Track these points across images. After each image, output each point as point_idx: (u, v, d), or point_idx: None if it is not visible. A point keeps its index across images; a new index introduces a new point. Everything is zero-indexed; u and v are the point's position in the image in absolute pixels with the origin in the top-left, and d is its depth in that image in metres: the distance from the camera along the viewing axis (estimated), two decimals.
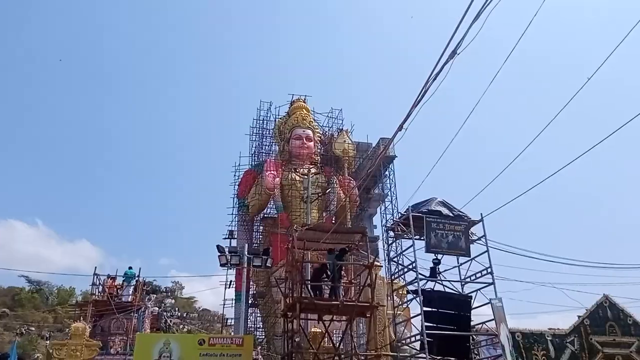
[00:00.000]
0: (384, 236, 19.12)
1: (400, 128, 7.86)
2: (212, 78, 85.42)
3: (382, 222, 26.97)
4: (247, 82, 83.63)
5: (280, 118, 26.41)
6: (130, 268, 19.85)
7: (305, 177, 20.52)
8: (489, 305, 13.78)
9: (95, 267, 19.98)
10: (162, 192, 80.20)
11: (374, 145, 29.34)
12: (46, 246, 64.01)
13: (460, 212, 15.86)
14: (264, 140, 26.27)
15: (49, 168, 78.00)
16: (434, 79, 6.59)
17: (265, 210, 24.49)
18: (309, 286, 13.25)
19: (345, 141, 25.13)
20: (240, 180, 24.61)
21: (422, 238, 15.49)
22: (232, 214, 23.89)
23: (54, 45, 79.44)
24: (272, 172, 23.29)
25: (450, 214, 15.64)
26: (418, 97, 6.93)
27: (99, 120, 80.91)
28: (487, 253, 15.24)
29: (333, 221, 23.49)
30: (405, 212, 16.14)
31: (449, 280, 15.41)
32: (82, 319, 18.01)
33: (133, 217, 74.64)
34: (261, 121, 26.48)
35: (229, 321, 23.31)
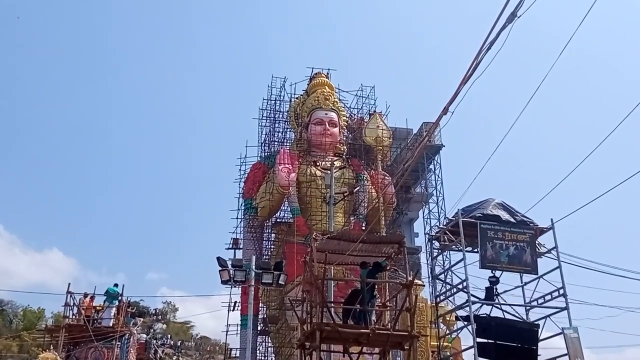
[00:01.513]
0: (427, 247, 19.11)
1: (445, 111, 7.86)
2: (211, 47, 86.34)
3: (424, 229, 27.05)
4: (256, 53, 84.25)
5: (296, 98, 26.63)
6: (115, 285, 20.03)
7: (328, 172, 20.55)
8: (562, 335, 13.66)
9: (69, 284, 20.26)
10: (150, 192, 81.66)
11: (414, 131, 29.37)
12: (8, 255, 65.56)
13: (525, 217, 15.75)
14: (276, 125, 26.54)
15: (13, 165, 79.87)
16: (488, 48, 6.55)
17: (278, 213, 24.71)
18: (336, 310, 13.34)
19: (378, 126, 25.20)
20: (247, 176, 24.89)
21: (476, 250, 15.44)
22: (237, 218, 24.21)
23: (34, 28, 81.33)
24: (287, 165, 23.47)
25: (512, 220, 15.56)
26: (468, 71, 6.89)
27: (72, 113, 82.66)
28: (559, 269, 15.10)
29: (363, 228, 23.54)
30: (454, 216, 16.11)
31: (509, 304, 15.31)
32: (52, 347, 18.38)
33: (115, 222, 76.02)
34: (273, 102, 26.75)
35: (233, 352, 23.61)
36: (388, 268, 15.49)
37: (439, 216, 25.50)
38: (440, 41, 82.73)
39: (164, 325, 47.79)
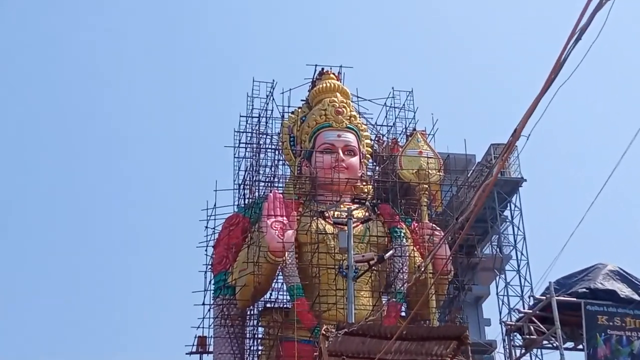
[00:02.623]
0: (505, 343, 18.82)
1: (517, 135, 7.94)
2: (165, 40, 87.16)
3: (500, 314, 26.71)
4: (229, 43, 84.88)
5: (292, 112, 26.77)
6: None
7: (345, 227, 20.49)
8: None
9: None
10: (72, 266, 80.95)
11: (479, 158, 29.32)
12: None
13: None
14: (262, 156, 26.57)
15: None
16: (578, 37, 6.66)
17: (268, 294, 24.53)
18: None
19: (421, 152, 25.19)
20: (217, 237, 24.80)
21: (581, 346, 15.26)
22: (204, 304, 24.05)
23: None
24: (280, 218, 23.42)
25: (637, 297, 15.46)
26: (551, 74, 6.93)
27: None
28: None
29: (402, 314, 23.30)
30: (544, 294, 15.99)
31: None
32: None
33: (17, 308, 75.63)
34: (256, 119, 26.87)
35: None
36: None
37: (522, 293, 25.31)
38: (510, 20, 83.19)
39: None
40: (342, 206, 23.71)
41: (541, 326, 15.67)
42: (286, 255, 22.97)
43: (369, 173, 26.45)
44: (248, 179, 26.23)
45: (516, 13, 78.72)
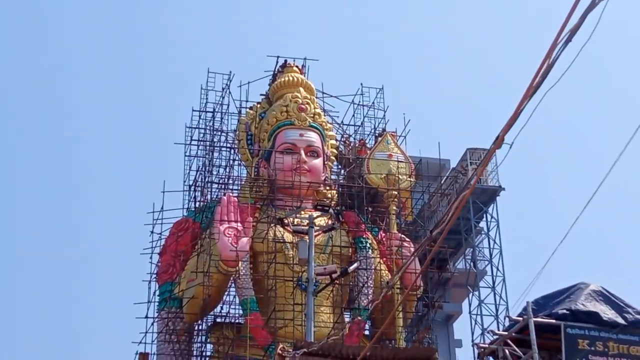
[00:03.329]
0: None
1: (499, 143, 8.05)
2: (102, 15, 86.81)
3: (472, 335, 26.77)
4: (179, 28, 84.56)
5: (250, 107, 26.79)
6: None
7: (305, 236, 20.56)
8: None
9: None
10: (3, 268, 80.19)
11: (453, 164, 29.47)
12: None
13: None
14: (215, 155, 26.52)
15: None
16: (566, 41, 6.82)
17: (218, 308, 24.51)
18: None
19: (391, 156, 25.30)
20: (164, 243, 24.74)
21: None
22: (147, 317, 23.89)
23: None
24: (235, 224, 23.40)
25: (620, 320, 15.61)
26: (535, 78, 7.07)
27: None
28: None
29: (366, 333, 23.37)
30: (520, 315, 16.08)
31: None
32: None
33: None
34: (210, 114, 26.90)
35: None
36: None
37: (497, 312, 25.47)
38: (497, 15, 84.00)
39: None
40: (303, 213, 23.72)
41: (517, 350, 15.71)
42: (240, 265, 22.93)
43: (333, 177, 26.56)
44: (200, 179, 26.21)
45: (494, 12, 79.35)
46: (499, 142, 7.91)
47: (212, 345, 24.46)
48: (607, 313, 15.69)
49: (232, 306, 24.30)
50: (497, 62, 76.30)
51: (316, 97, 26.60)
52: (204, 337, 24.65)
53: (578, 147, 70.88)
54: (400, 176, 24.91)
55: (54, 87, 79.18)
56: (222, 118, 26.84)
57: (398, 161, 25.13)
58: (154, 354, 23.54)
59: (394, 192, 24.68)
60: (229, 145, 26.82)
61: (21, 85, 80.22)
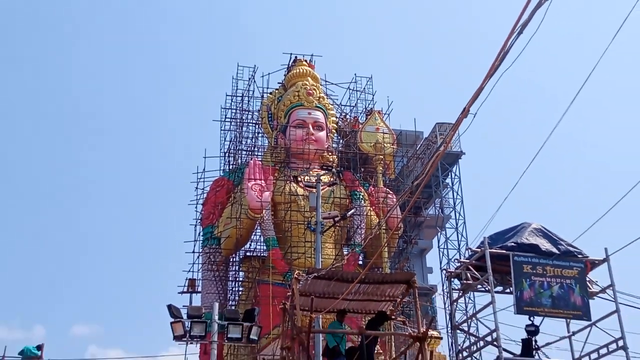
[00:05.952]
0: (445, 288, 19.06)
1: (465, 113, 7.94)
2: (154, 23, 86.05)
3: (440, 263, 27.09)
4: (217, 33, 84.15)
5: (270, 93, 26.78)
6: (37, 349, 19.68)
7: (314, 189, 20.56)
8: None
9: None
10: (72, 217, 79.90)
11: (425, 135, 29.50)
12: None
13: (571, 246, 15.82)
14: (244, 129, 26.63)
15: None
16: (520, 31, 6.66)
17: (248, 245, 24.64)
18: None
19: (378, 129, 25.36)
20: (206, 196, 24.86)
21: (509, 290, 15.40)
22: (194, 252, 24.07)
23: None
24: (259, 181, 23.45)
25: (555, 250, 15.65)
26: (496, 60, 6.96)
27: None
28: (617, 314, 15.12)
29: (360, 263, 23.50)
30: (479, 247, 16.11)
31: None
32: None
33: (29, 258, 74.63)
34: (240, 98, 26.89)
35: None
36: (394, 316, 15.49)
37: (459, 246, 25.62)
38: (460, 17, 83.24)
39: None
40: (311, 172, 23.73)
41: (476, 273, 15.77)
42: (263, 212, 23.15)
43: (334, 145, 26.63)
44: (232, 148, 26.37)
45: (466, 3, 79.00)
46: (465, 112, 7.83)
47: (243, 273, 24.82)
48: (545, 245, 15.74)
49: (258, 243, 24.62)
50: (462, 51, 76.23)
51: (320, 85, 26.62)
52: (237, 267, 25.01)
53: (527, 120, 71.08)
54: (385, 144, 25.06)
55: (124, 71, 79.08)
56: (248, 101, 27.09)
57: (383, 133, 25.29)
58: (199, 279, 23.84)
59: (380, 156, 24.86)
60: (254, 121, 26.95)
61: (81, 70, 79.98)
